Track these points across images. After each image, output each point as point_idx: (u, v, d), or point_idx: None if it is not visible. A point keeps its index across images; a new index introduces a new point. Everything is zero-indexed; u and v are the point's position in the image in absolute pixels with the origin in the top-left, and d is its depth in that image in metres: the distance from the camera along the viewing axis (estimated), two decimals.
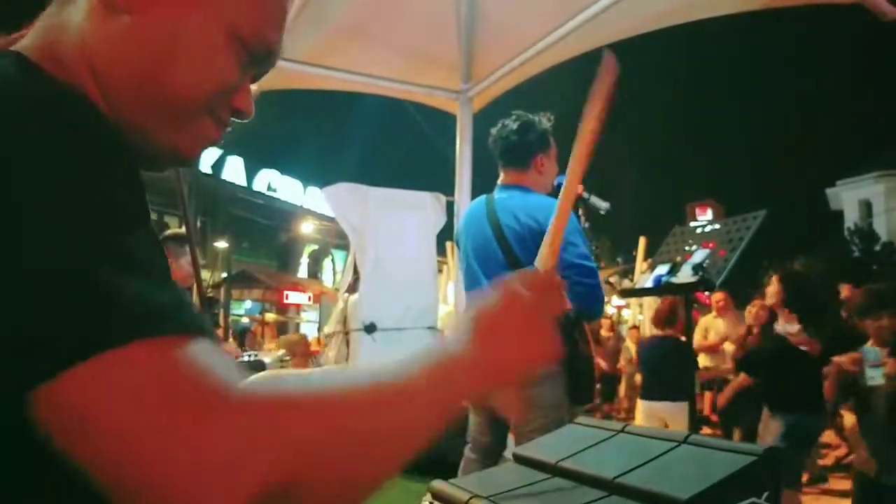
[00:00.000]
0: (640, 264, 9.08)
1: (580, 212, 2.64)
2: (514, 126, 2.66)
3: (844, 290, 5.80)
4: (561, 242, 0.79)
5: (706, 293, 5.91)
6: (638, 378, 6.04)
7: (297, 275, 23.53)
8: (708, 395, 5.84)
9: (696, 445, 1.05)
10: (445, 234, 4.98)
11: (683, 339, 4.53)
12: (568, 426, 1.38)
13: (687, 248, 2.40)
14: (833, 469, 5.31)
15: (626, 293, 10.44)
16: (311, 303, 21.10)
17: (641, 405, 4.76)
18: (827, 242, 30.10)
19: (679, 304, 4.33)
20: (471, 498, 1.05)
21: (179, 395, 0.42)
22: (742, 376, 4.20)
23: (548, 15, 3.01)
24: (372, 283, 4.67)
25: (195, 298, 2.76)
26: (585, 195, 2.70)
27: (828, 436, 5.27)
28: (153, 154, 0.61)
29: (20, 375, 0.40)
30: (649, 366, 4.76)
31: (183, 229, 3.08)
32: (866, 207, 32.83)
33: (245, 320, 20.38)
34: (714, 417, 5.72)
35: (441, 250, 6.76)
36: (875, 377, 2.88)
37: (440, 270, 6.89)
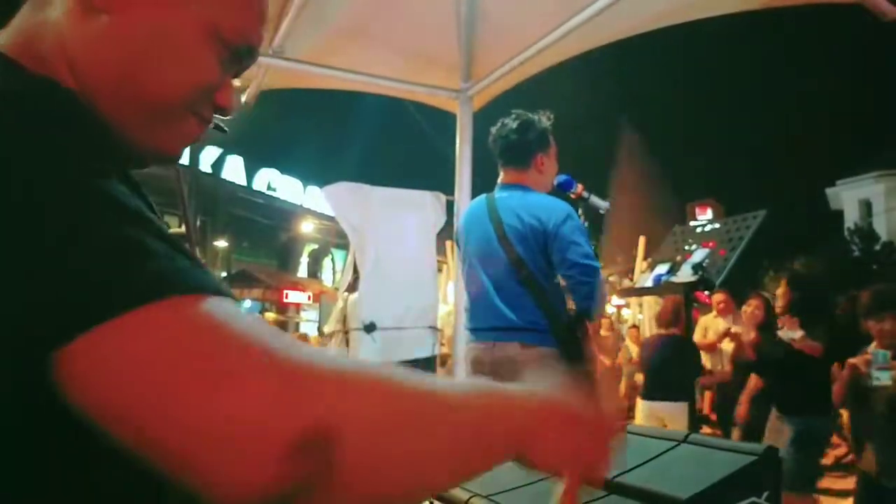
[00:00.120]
0: (640, 264, 9.08)
1: (580, 212, 2.64)
2: (514, 125, 2.66)
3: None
4: None
5: (706, 293, 5.90)
6: (638, 378, 6.03)
7: (296, 274, 23.53)
8: (708, 394, 5.83)
9: (695, 445, 1.05)
10: (445, 234, 4.98)
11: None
12: None
13: (687, 247, 2.40)
14: (832, 468, 5.31)
15: (625, 292, 10.44)
16: (310, 302, 21.10)
17: (641, 405, 4.76)
18: (827, 242, 30.08)
19: (682, 303, 4.33)
20: (471, 497, 1.05)
21: (214, 348, 0.41)
22: (754, 380, 4.16)
23: (548, 15, 3.01)
24: (372, 282, 4.66)
25: None
26: (585, 195, 2.70)
27: None
28: (135, 152, 0.61)
29: (50, 331, 0.39)
30: (652, 365, 4.75)
31: (183, 229, 3.08)
32: (866, 207, 32.81)
33: None
34: (714, 417, 5.72)
35: (441, 250, 6.75)
36: (881, 378, 2.89)
37: (440, 270, 6.88)
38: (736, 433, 4.47)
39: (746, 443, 1.03)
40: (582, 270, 2.39)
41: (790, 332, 3.61)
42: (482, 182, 3.25)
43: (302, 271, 24.25)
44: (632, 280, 9.14)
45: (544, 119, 2.69)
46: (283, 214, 22.82)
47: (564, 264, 2.42)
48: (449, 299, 7.14)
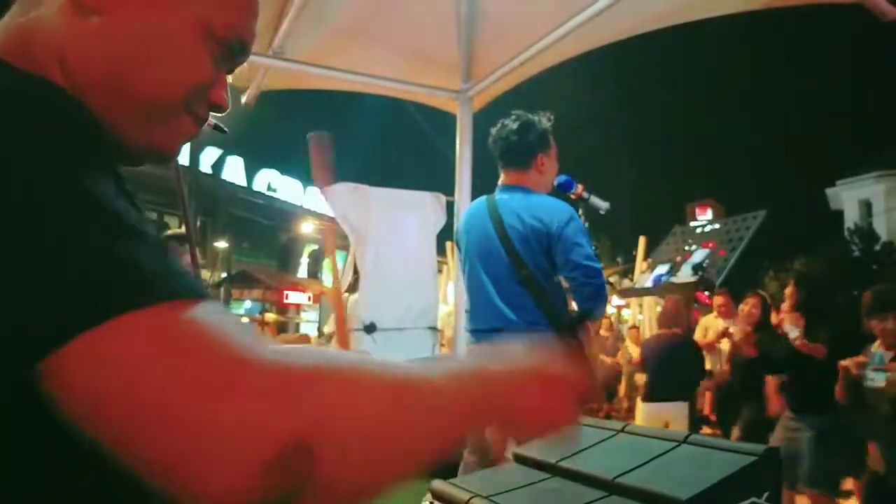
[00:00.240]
0: (640, 264, 9.08)
1: (580, 212, 2.64)
2: (514, 126, 2.66)
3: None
4: None
5: (706, 293, 5.90)
6: (637, 378, 6.02)
7: (296, 275, 23.53)
8: (708, 395, 5.83)
9: (695, 445, 1.05)
10: (445, 234, 4.98)
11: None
12: None
13: (687, 247, 2.40)
14: None
15: (626, 293, 10.43)
16: (310, 303, 21.09)
17: (643, 408, 4.74)
18: (827, 242, 30.07)
19: (684, 303, 4.32)
20: (471, 498, 1.05)
21: (200, 355, 0.41)
22: (773, 383, 4.13)
23: (548, 15, 3.01)
24: (372, 282, 4.66)
25: None
26: (585, 195, 2.70)
27: None
28: (129, 151, 0.61)
29: (35, 341, 0.39)
30: (655, 364, 4.74)
31: (183, 229, 3.08)
32: (866, 207, 32.81)
33: (245, 320, 20.38)
34: (714, 417, 5.72)
35: (441, 250, 6.75)
36: (876, 379, 2.89)
37: (440, 270, 6.88)
38: (736, 433, 4.47)
39: (746, 443, 1.03)
40: (585, 272, 2.41)
41: (791, 329, 3.61)
42: (482, 183, 3.26)
43: (302, 272, 24.25)
44: (632, 280, 9.14)
45: (544, 120, 2.70)
46: (284, 215, 22.81)
47: (568, 266, 2.44)
48: (449, 300, 7.14)
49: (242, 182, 22.05)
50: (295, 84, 4.11)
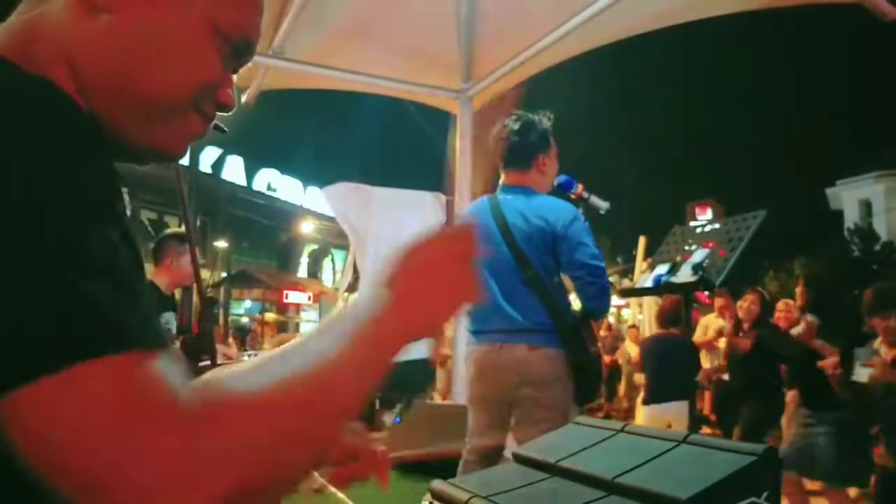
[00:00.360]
0: (640, 264, 9.07)
1: (580, 211, 2.64)
2: (515, 126, 2.66)
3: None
4: None
5: (706, 293, 5.90)
6: (637, 378, 6.02)
7: (296, 274, 23.53)
8: (708, 394, 5.83)
9: (695, 445, 1.05)
10: None
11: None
12: (568, 426, 1.38)
13: (687, 247, 2.40)
14: None
15: (625, 293, 10.43)
16: (310, 302, 21.10)
17: (644, 411, 4.72)
18: (827, 242, 30.06)
19: (682, 303, 4.31)
20: (471, 498, 1.05)
21: (135, 413, 0.42)
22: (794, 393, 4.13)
23: (548, 15, 3.02)
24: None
25: (195, 298, 2.76)
26: (585, 195, 2.70)
27: None
28: (136, 150, 0.61)
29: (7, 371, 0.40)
30: (653, 364, 4.73)
31: (183, 229, 3.08)
32: (866, 207, 32.80)
33: (245, 320, 20.38)
34: (713, 417, 5.72)
35: None
36: (861, 375, 2.94)
37: None
38: (736, 433, 4.47)
39: (746, 443, 1.03)
40: (590, 271, 2.43)
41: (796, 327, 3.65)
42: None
43: (302, 272, 24.26)
44: (632, 280, 9.14)
45: (544, 120, 2.70)
46: (283, 215, 22.81)
47: (573, 265, 2.45)
48: None
49: (242, 182, 22.05)
50: (295, 83, 4.12)
